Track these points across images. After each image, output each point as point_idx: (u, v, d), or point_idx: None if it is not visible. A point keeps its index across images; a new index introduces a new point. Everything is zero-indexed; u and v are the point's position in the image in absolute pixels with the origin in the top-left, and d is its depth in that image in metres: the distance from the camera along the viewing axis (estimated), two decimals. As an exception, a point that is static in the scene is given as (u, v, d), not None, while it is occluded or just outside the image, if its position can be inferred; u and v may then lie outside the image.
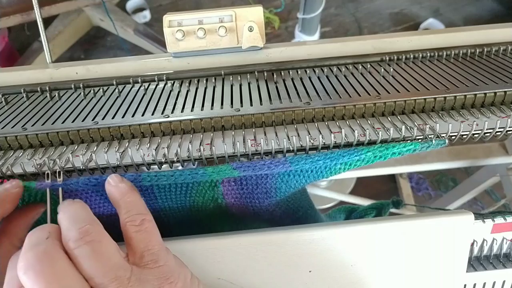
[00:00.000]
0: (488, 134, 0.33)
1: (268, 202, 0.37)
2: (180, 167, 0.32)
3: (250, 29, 0.42)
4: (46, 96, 0.42)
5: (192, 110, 0.37)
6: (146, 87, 0.42)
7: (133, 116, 0.36)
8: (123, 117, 0.36)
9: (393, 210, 1.00)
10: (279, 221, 0.41)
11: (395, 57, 0.44)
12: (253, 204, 0.37)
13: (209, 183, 0.35)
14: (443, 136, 0.33)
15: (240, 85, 0.41)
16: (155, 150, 0.32)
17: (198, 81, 0.43)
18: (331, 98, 0.37)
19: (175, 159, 0.32)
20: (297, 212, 0.41)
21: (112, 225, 0.29)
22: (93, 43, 1.75)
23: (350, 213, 0.55)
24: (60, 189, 0.31)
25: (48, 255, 0.23)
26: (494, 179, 0.82)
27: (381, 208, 0.52)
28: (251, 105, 0.37)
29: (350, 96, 0.37)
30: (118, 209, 0.29)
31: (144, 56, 0.46)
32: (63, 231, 0.26)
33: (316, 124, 0.34)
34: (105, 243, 0.25)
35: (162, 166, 0.32)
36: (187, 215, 0.38)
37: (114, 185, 0.30)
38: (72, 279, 0.23)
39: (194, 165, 0.33)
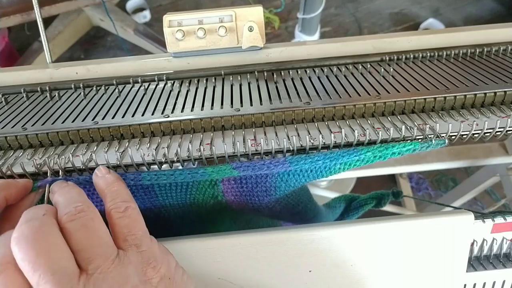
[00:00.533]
0: (488, 134, 0.33)
1: (268, 200, 0.37)
2: (180, 167, 0.32)
3: (250, 29, 0.42)
4: (46, 96, 0.42)
5: (192, 110, 0.37)
6: (146, 87, 0.42)
7: (133, 116, 0.36)
8: (123, 117, 0.36)
9: (393, 210, 1.00)
10: (279, 215, 0.41)
11: (395, 57, 0.44)
12: (253, 202, 0.37)
13: (209, 182, 0.35)
14: (443, 136, 0.33)
15: (240, 85, 0.41)
16: (155, 150, 0.32)
17: (198, 81, 0.43)
18: (331, 98, 0.37)
19: (175, 159, 0.32)
20: (297, 207, 0.41)
21: None
22: (93, 43, 1.75)
23: (350, 202, 0.54)
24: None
25: (42, 228, 0.24)
26: (494, 179, 0.82)
27: (381, 198, 0.52)
28: (251, 105, 0.37)
29: (350, 96, 0.37)
30: (104, 198, 0.29)
31: (144, 56, 0.46)
32: (59, 208, 0.26)
33: (316, 124, 0.34)
34: (97, 222, 0.26)
35: (162, 166, 0.33)
36: (188, 211, 0.38)
37: (101, 176, 0.30)
38: (61, 253, 0.23)
39: (194, 165, 0.33)
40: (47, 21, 1.48)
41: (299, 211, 0.42)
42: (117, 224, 0.27)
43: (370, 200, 0.52)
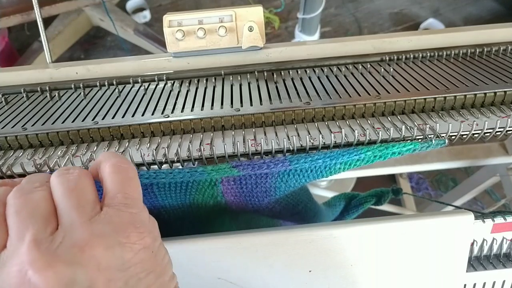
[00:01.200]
0: (488, 134, 0.33)
1: (267, 201, 0.37)
2: (180, 167, 0.32)
3: (250, 29, 0.42)
4: (46, 96, 0.42)
5: (192, 110, 0.37)
6: (146, 87, 0.42)
7: (133, 116, 0.36)
8: (123, 117, 0.36)
9: (393, 210, 0.99)
10: (279, 215, 0.41)
11: (395, 57, 0.44)
12: (253, 202, 0.37)
13: (209, 182, 0.35)
14: (443, 136, 0.33)
15: (240, 85, 0.41)
16: (155, 150, 0.32)
17: (198, 81, 0.43)
18: (331, 98, 0.37)
19: (175, 159, 0.32)
20: (297, 207, 0.41)
21: None
22: (93, 43, 1.75)
23: (350, 200, 0.54)
24: None
25: (40, 188, 0.24)
26: (494, 179, 0.82)
27: (381, 196, 0.51)
28: (251, 105, 0.37)
29: (350, 96, 0.37)
30: (99, 165, 0.26)
31: (144, 56, 0.46)
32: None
33: (316, 124, 0.34)
34: (84, 179, 0.25)
35: (162, 166, 0.32)
36: (188, 211, 0.38)
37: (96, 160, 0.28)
38: (46, 205, 0.23)
39: (194, 165, 0.33)
40: (47, 21, 1.48)
41: (299, 211, 0.42)
42: (109, 179, 0.25)
43: (370, 198, 0.52)
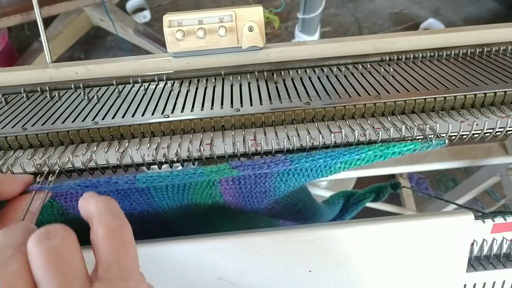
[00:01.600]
0: (488, 134, 0.33)
1: (267, 201, 0.37)
2: (180, 167, 0.32)
3: (250, 29, 0.42)
4: (46, 96, 0.42)
5: (192, 110, 0.37)
6: (146, 87, 0.42)
7: (133, 116, 0.36)
8: (123, 117, 0.36)
9: (393, 210, 0.99)
10: (279, 215, 0.41)
11: (395, 57, 0.44)
12: (252, 203, 0.37)
13: (207, 182, 0.35)
14: (443, 136, 0.33)
15: (240, 85, 0.41)
16: (155, 150, 0.32)
17: (198, 81, 0.43)
18: (331, 98, 0.37)
19: (175, 159, 0.32)
20: (296, 206, 0.41)
21: None
22: (93, 43, 1.75)
23: (349, 198, 0.54)
24: (46, 191, 0.30)
25: (15, 257, 0.20)
26: (494, 179, 0.82)
27: (380, 191, 0.51)
28: (251, 105, 0.37)
29: (350, 96, 0.37)
30: (91, 219, 0.23)
31: (144, 56, 0.46)
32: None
33: (316, 124, 0.34)
34: (70, 246, 0.21)
35: (162, 166, 0.32)
36: (186, 211, 0.38)
37: (87, 197, 0.24)
38: (21, 285, 0.19)
39: (194, 165, 0.33)
40: (47, 21, 1.48)
41: (298, 210, 0.42)
42: (102, 246, 0.21)
43: (368, 194, 0.51)
